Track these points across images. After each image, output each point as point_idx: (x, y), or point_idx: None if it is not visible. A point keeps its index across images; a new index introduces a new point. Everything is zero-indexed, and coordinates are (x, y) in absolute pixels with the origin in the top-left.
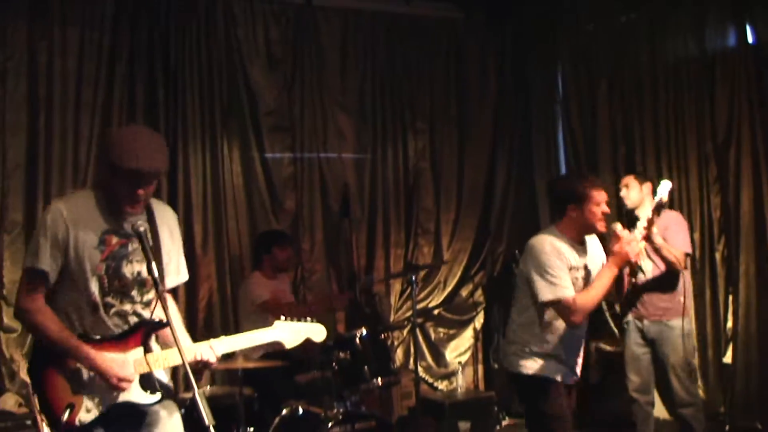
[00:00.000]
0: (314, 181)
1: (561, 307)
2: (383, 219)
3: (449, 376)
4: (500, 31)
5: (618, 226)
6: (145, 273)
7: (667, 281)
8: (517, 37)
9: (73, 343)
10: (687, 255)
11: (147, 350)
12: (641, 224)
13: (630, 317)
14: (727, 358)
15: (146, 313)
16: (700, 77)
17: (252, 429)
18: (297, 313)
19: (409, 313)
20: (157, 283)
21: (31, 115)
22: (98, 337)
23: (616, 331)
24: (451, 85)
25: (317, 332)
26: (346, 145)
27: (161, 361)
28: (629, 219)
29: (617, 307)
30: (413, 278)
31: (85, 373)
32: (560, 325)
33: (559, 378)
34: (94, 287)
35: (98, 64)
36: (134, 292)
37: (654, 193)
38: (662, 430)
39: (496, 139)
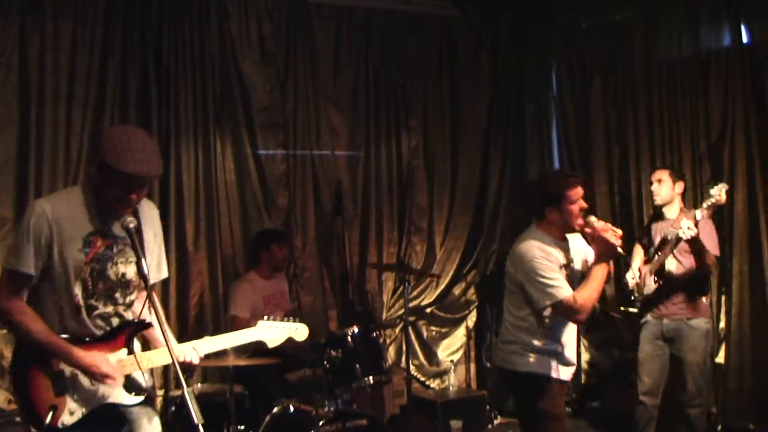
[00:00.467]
0: (307, 178)
1: (563, 307)
2: (376, 217)
3: (441, 374)
4: (495, 29)
5: (593, 218)
6: (129, 274)
7: (695, 282)
8: (511, 35)
9: (56, 342)
10: (716, 258)
11: (130, 351)
12: (686, 224)
13: (648, 317)
14: (720, 358)
15: (128, 315)
16: (695, 76)
17: (243, 427)
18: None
19: (401, 311)
20: (148, 282)
21: (22, 110)
22: (87, 339)
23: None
24: (444, 83)
25: (299, 332)
26: (339, 142)
27: (146, 362)
28: (656, 215)
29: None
30: (406, 276)
31: (69, 374)
32: (558, 323)
33: (560, 376)
34: (77, 289)
35: (90, 58)
36: (117, 294)
37: (704, 196)
38: None
39: (490, 137)
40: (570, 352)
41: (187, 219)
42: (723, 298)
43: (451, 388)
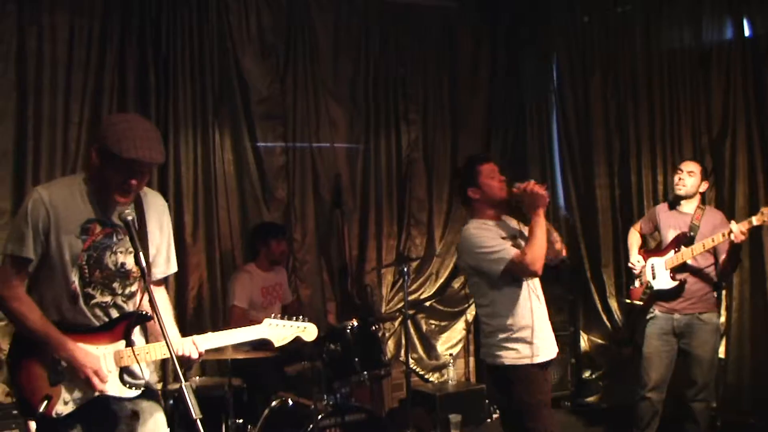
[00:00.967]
0: (306, 170)
1: (516, 265)
2: (375, 209)
3: (440, 368)
4: (494, 21)
5: (516, 183)
6: (128, 265)
7: (709, 277)
8: (511, 28)
9: (52, 333)
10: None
11: (129, 343)
12: (738, 228)
13: (656, 311)
14: (720, 353)
15: (127, 306)
16: (696, 70)
17: (241, 420)
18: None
19: (400, 305)
20: (145, 274)
21: (20, 101)
22: (83, 328)
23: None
24: (444, 75)
25: (308, 332)
26: (338, 134)
27: (143, 355)
28: (672, 203)
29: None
30: (405, 269)
31: (64, 364)
32: (523, 301)
33: (539, 359)
34: (74, 277)
35: (88, 50)
36: (116, 284)
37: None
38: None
39: (490, 130)
40: (541, 331)
41: (186, 211)
42: (723, 293)
43: (450, 381)
